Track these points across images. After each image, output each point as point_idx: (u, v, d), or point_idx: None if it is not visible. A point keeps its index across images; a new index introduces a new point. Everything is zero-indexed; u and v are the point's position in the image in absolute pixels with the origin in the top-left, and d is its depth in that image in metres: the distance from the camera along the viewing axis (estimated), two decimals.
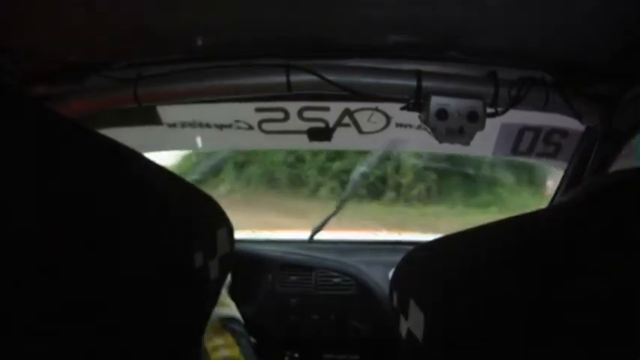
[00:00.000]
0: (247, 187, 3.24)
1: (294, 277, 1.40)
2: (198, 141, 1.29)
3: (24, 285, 0.33)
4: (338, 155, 2.98)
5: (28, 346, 0.33)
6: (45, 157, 0.37)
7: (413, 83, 0.88)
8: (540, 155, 1.22)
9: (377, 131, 1.23)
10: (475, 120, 0.87)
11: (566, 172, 1.14)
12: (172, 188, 0.57)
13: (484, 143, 1.17)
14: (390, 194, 3.25)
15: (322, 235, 1.59)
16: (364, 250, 1.51)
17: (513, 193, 3.05)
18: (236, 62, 0.91)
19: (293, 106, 1.15)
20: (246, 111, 1.18)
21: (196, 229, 0.58)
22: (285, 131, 1.22)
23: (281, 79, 0.89)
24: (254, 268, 1.40)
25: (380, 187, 3.19)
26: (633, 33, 0.72)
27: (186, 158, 1.81)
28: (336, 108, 1.17)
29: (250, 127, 1.22)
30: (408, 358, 0.47)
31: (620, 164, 0.94)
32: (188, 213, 0.58)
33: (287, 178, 3.32)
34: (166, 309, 0.50)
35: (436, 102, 0.87)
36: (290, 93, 0.91)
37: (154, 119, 1.18)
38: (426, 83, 0.88)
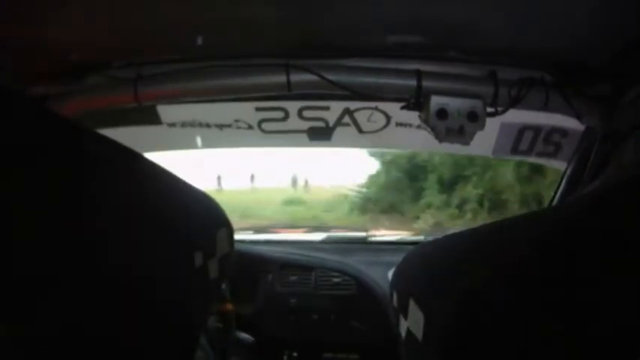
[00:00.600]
0: None
1: (294, 277, 1.40)
2: (198, 141, 1.29)
3: (24, 285, 0.33)
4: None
5: (29, 345, 0.33)
6: (45, 157, 0.37)
7: (413, 83, 0.88)
8: (540, 155, 1.22)
9: (377, 130, 1.23)
10: (475, 119, 0.87)
11: (565, 171, 1.14)
12: (172, 188, 0.57)
13: (484, 143, 1.17)
14: None
15: (322, 236, 1.59)
16: (364, 250, 1.52)
17: None
18: (236, 62, 0.91)
19: (293, 106, 1.15)
20: (246, 110, 1.17)
21: (196, 229, 0.58)
22: (285, 131, 1.22)
23: (281, 78, 0.89)
24: (254, 268, 1.40)
25: None
26: (633, 33, 0.72)
27: None
28: (336, 107, 1.17)
29: (250, 127, 1.22)
30: (407, 358, 0.47)
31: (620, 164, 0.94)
32: (188, 213, 0.58)
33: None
34: (166, 309, 0.50)
35: (436, 101, 0.87)
36: (290, 92, 0.91)
37: (153, 119, 1.18)
38: (425, 83, 0.88)
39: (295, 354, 1.38)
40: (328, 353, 1.39)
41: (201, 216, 0.62)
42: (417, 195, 3.70)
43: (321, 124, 1.21)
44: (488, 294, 0.36)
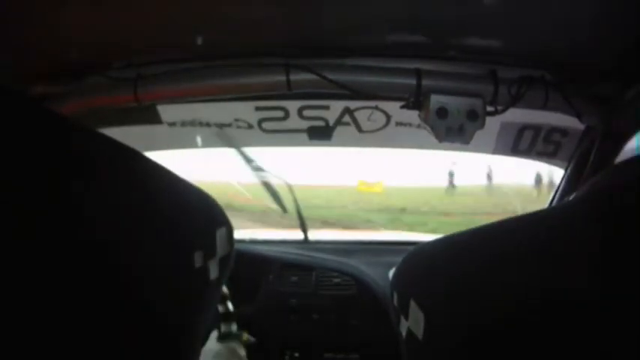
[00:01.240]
0: None
1: (294, 277, 1.40)
2: (199, 140, 1.29)
3: (23, 285, 0.33)
4: None
5: (28, 345, 0.33)
6: (44, 157, 0.37)
7: (413, 82, 0.88)
8: (540, 154, 1.22)
9: (377, 130, 1.23)
10: (475, 118, 0.87)
11: (565, 171, 1.14)
12: (172, 187, 0.57)
13: (484, 142, 1.17)
14: None
15: (322, 235, 1.59)
16: (364, 250, 1.51)
17: None
18: (236, 61, 0.91)
19: (293, 105, 1.15)
20: (245, 110, 1.18)
21: (196, 228, 0.58)
22: (285, 130, 1.22)
23: (281, 78, 0.89)
24: (254, 268, 1.40)
25: None
26: (634, 32, 0.72)
27: None
28: (335, 107, 1.17)
29: (250, 126, 1.22)
30: (408, 358, 0.47)
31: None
32: (188, 212, 0.58)
33: None
34: (166, 309, 0.50)
35: (436, 100, 0.87)
36: (290, 92, 0.91)
37: (154, 118, 1.18)
38: (425, 82, 0.88)
39: (297, 354, 1.38)
40: (329, 354, 1.38)
41: (201, 215, 0.62)
42: None
43: (321, 123, 1.21)
44: (488, 294, 0.36)
